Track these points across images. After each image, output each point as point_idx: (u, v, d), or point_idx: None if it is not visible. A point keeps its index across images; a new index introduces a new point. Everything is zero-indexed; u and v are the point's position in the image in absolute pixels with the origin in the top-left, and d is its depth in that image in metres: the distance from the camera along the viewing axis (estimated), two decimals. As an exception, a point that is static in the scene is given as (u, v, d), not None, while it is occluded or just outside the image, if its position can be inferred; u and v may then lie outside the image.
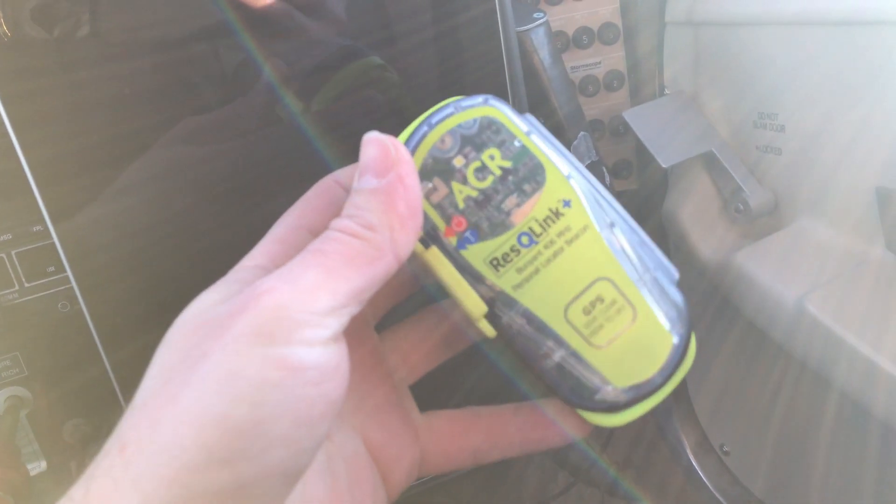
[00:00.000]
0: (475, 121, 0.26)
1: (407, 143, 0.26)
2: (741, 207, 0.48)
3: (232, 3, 0.31)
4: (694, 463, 0.63)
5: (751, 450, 0.58)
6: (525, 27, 0.41)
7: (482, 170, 0.26)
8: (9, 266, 0.48)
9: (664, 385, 0.26)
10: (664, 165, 0.47)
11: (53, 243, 0.35)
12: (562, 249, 0.26)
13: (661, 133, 0.48)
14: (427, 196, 0.26)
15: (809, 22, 0.41)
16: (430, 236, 0.26)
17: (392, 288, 0.31)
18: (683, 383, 0.64)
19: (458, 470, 0.31)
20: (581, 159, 0.43)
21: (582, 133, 0.43)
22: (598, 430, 0.71)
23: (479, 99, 0.26)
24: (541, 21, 0.41)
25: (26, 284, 0.48)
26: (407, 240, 0.24)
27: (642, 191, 0.57)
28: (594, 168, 0.44)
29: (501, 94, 0.34)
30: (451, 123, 0.26)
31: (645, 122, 0.49)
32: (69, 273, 0.32)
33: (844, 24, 0.39)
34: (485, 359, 0.28)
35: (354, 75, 0.32)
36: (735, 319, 0.53)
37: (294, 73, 0.32)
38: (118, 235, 0.32)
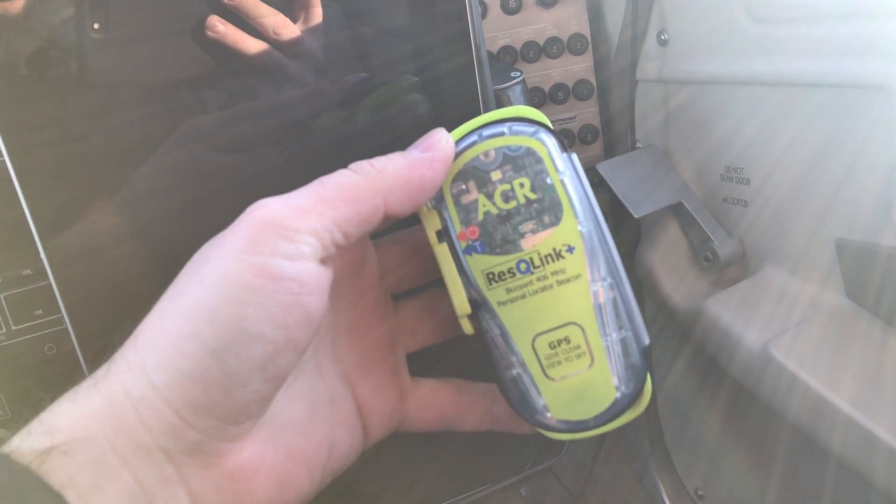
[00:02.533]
0: (521, 147, 0.29)
1: (457, 143, 0.29)
2: (710, 256, 0.50)
3: (211, 44, 0.32)
4: (670, 507, 0.64)
5: (725, 494, 0.59)
6: (503, 85, 0.43)
7: (510, 194, 0.29)
8: (-3, 309, 0.49)
9: (596, 428, 0.29)
10: (636, 216, 0.49)
11: (45, 286, 0.36)
12: (551, 286, 0.29)
13: (633, 185, 0.51)
14: (457, 195, 0.29)
15: (771, 83, 0.44)
16: (445, 233, 0.29)
17: (418, 269, 0.34)
18: (659, 429, 0.65)
19: (430, 430, 0.34)
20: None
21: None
22: (577, 476, 0.72)
23: (532, 129, 0.29)
24: (518, 80, 0.44)
25: (14, 327, 0.49)
26: (402, 201, 0.27)
27: (616, 240, 0.59)
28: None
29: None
30: (499, 142, 0.29)
31: (618, 174, 0.51)
32: (64, 315, 0.33)
33: (805, 86, 0.42)
34: (475, 343, 0.30)
35: (394, 91, 0.34)
36: (708, 365, 0.54)
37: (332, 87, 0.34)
38: (115, 276, 0.33)
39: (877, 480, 0.37)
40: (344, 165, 0.28)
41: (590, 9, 0.56)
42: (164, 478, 0.24)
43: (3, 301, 0.48)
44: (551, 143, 0.29)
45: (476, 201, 0.29)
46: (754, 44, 0.44)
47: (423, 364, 0.35)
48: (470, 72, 0.35)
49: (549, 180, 0.28)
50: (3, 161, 0.31)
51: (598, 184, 0.58)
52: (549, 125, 0.29)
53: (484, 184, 0.29)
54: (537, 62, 0.55)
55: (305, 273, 0.25)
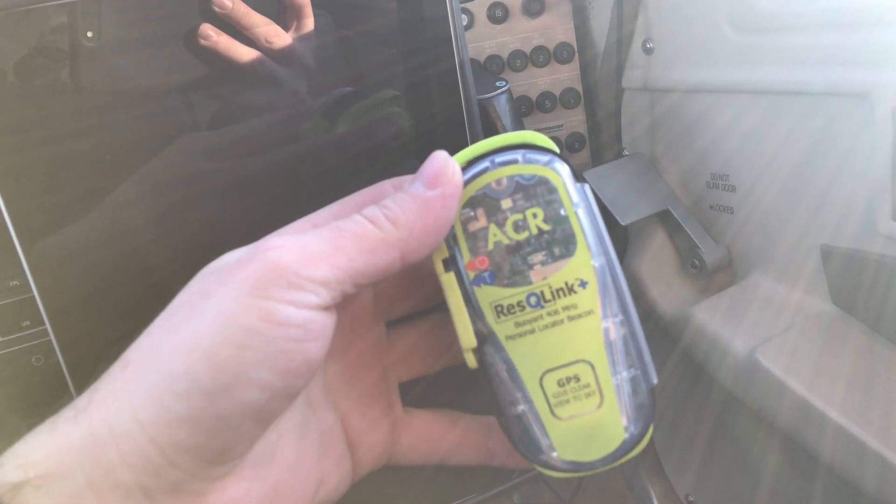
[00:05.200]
0: (535, 176, 0.28)
1: (466, 170, 0.28)
2: (697, 263, 0.50)
3: (203, 52, 0.32)
4: (660, 514, 0.64)
5: (715, 499, 0.59)
6: (488, 95, 0.43)
7: (522, 224, 0.28)
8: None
9: (601, 468, 0.28)
10: (622, 223, 0.49)
11: (31, 297, 0.36)
12: (562, 322, 0.27)
13: (619, 192, 0.51)
14: (465, 223, 0.28)
15: (755, 91, 0.44)
16: (452, 262, 0.28)
17: (414, 296, 0.32)
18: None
19: (423, 464, 0.33)
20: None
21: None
22: (567, 483, 0.72)
23: (546, 158, 0.28)
24: (503, 89, 0.44)
25: (0, 339, 0.49)
26: (419, 249, 0.26)
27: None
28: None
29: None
30: (512, 170, 0.28)
31: (605, 181, 0.51)
32: (48, 326, 0.32)
33: (788, 94, 0.42)
34: (473, 373, 0.29)
35: (375, 104, 0.34)
36: (696, 371, 0.54)
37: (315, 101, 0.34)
38: (98, 286, 0.33)
39: (865, 486, 0.37)
40: (326, 173, 0.27)
41: (576, 17, 0.56)
42: None
43: (-11, 313, 0.48)
44: (565, 173, 0.28)
45: (486, 230, 0.28)
46: (737, 52, 0.45)
47: (416, 393, 0.34)
48: (453, 81, 0.35)
49: (563, 211, 0.27)
50: None
51: (586, 191, 0.59)
52: (557, 151, 0.29)
53: (494, 212, 0.27)
54: (524, 71, 0.55)
55: (311, 321, 0.24)
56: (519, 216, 0.27)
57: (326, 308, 0.25)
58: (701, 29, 0.47)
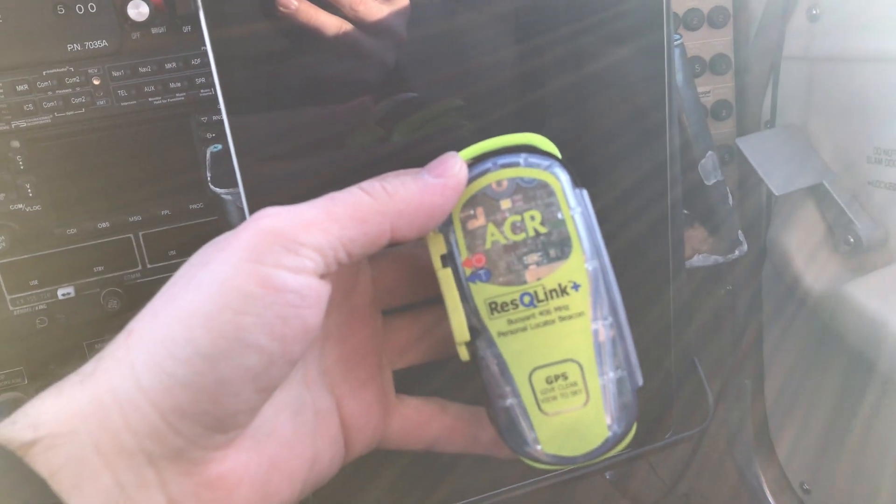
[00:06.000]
0: (535, 179, 0.28)
1: (469, 169, 0.29)
2: (851, 240, 0.49)
3: (282, 20, 0.30)
4: (772, 501, 0.63)
5: (833, 488, 0.57)
6: (664, 46, 0.42)
7: (520, 225, 0.28)
8: (135, 247, 0.50)
9: (583, 463, 0.29)
10: (777, 193, 0.48)
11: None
12: (553, 322, 0.29)
13: (773, 162, 0.49)
14: (465, 221, 0.29)
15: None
16: (450, 258, 0.29)
17: (412, 286, 0.33)
18: (763, 415, 0.64)
19: (412, 449, 0.34)
20: (707, 178, 0.44)
21: (710, 152, 0.44)
22: (671, 464, 0.71)
23: (547, 162, 0.28)
24: (677, 42, 0.43)
25: (149, 266, 0.50)
26: (410, 226, 0.27)
27: (741, 220, 0.58)
28: (718, 187, 0.44)
29: (660, 106, 0.35)
30: (513, 173, 0.28)
31: (758, 150, 0.50)
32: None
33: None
34: (465, 365, 0.30)
35: (439, 112, 0.33)
36: (829, 352, 0.53)
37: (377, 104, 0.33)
38: None
39: None
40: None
41: (733, -19, 0.54)
42: (145, 482, 0.24)
43: (141, 239, 0.49)
44: (564, 178, 0.28)
45: (484, 229, 0.28)
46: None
47: (408, 381, 0.34)
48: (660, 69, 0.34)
49: (560, 215, 0.28)
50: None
51: (729, 161, 0.57)
52: (559, 156, 0.29)
53: (493, 212, 0.28)
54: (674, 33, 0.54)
55: (307, 286, 0.24)
56: (517, 217, 0.28)
57: (321, 276, 0.25)
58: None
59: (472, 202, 0.29)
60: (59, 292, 0.48)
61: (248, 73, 0.30)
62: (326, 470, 0.31)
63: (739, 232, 0.45)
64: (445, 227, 0.29)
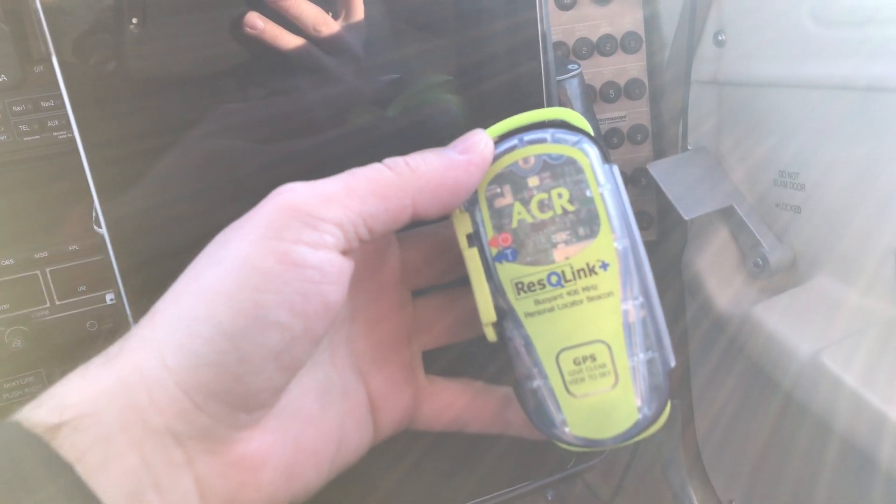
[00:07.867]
0: (562, 156, 0.28)
1: (496, 146, 0.28)
2: (760, 262, 0.49)
3: (249, 41, 0.31)
4: (701, 519, 0.63)
5: (759, 507, 0.58)
6: (560, 77, 0.43)
7: (547, 203, 0.28)
8: (42, 284, 0.49)
9: (613, 446, 0.29)
10: (686, 217, 0.48)
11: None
12: (581, 302, 0.28)
13: (683, 186, 0.50)
14: (491, 199, 0.28)
15: (833, 86, 0.43)
16: (476, 237, 0.28)
17: (441, 266, 0.33)
18: (693, 436, 0.64)
19: (442, 430, 0.33)
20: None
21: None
22: (606, 483, 0.71)
23: (575, 138, 0.28)
24: (575, 72, 0.43)
25: (57, 302, 0.49)
26: (432, 203, 0.26)
27: (661, 242, 0.58)
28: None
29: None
30: (540, 149, 0.28)
31: (668, 174, 0.50)
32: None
33: (869, 90, 0.41)
34: (494, 345, 0.29)
35: (429, 86, 0.34)
36: (746, 373, 0.53)
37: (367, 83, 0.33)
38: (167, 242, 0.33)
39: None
40: (371, 161, 0.27)
41: (645, 7, 0.55)
42: (172, 461, 0.24)
43: (49, 276, 0.49)
44: (594, 154, 0.28)
45: (511, 207, 0.28)
46: (818, 46, 0.44)
47: (438, 362, 0.34)
48: (535, 64, 0.34)
49: (588, 193, 0.27)
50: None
51: (646, 185, 0.58)
52: (590, 131, 0.28)
53: (520, 190, 0.28)
54: (589, 59, 0.55)
55: (327, 262, 0.24)
56: (544, 195, 0.28)
57: (342, 251, 0.25)
58: (779, 21, 0.46)
59: (498, 180, 0.28)
60: None
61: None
62: (353, 451, 0.30)
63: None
64: (471, 205, 0.28)
